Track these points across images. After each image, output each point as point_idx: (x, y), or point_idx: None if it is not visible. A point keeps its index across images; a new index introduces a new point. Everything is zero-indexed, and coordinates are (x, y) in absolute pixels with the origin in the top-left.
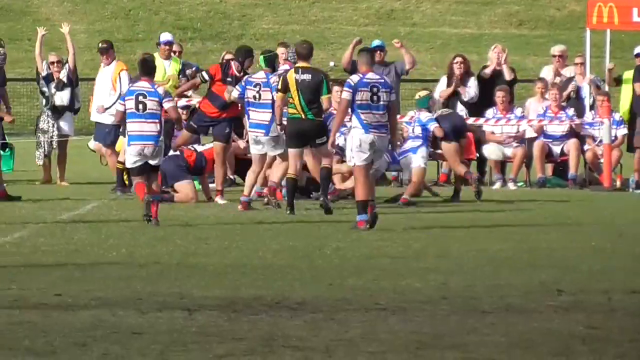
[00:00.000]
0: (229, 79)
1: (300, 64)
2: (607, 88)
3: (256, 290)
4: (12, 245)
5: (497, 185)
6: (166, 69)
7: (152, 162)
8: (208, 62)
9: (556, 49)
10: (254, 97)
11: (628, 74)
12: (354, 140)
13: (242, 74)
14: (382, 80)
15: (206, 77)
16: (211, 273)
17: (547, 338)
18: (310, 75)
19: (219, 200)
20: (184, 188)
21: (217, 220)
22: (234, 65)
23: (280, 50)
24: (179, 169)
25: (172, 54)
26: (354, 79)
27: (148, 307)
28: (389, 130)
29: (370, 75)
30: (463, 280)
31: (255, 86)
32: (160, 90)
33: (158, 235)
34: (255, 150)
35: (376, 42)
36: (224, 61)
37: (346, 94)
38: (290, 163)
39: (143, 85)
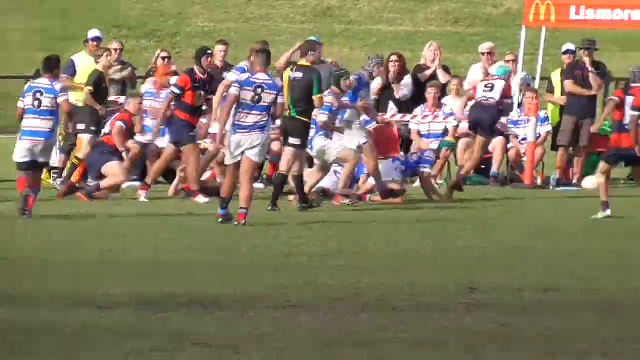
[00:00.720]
0: (196, 85)
1: (300, 61)
2: (537, 86)
3: (169, 288)
4: None
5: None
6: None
7: (40, 159)
8: (141, 59)
9: (484, 47)
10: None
11: (556, 74)
12: (227, 141)
13: (206, 75)
14: (270, 82)
15: (177, 91)
16: (125, 270)
17: (458, 336)
18: (301, 74)
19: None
20: (111, 169)
21: (136, 218)
22: (197, 70)
23: (219, 48)
24: (102, 155)
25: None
26: (243, 77)
27: (60, 305)
28: (265, 129)
29: (260, 75)
30: (376, 278)
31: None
32: (58, 86)
33: (74, 232)
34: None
35: (312, 38)
36: (189, 69)
37: (234, 90)
38: (282, 160)
39: (42, 82)
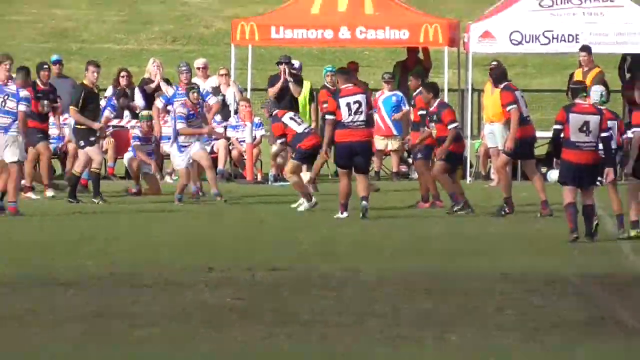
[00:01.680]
0: (39, 95)
1: None
2: (249, 96)
3: None
4: None
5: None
6: None
7: None
8: None
9: (199, 62)
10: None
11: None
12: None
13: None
14: (15, 92)
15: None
16: None
17: (200, 309)
18: None
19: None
20: None
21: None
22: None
23: None
24: None
25: None
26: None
27: None
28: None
29: (11, 87)
30: (129, 259)
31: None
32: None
33: None
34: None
35: (55, 57)
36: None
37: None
38: None
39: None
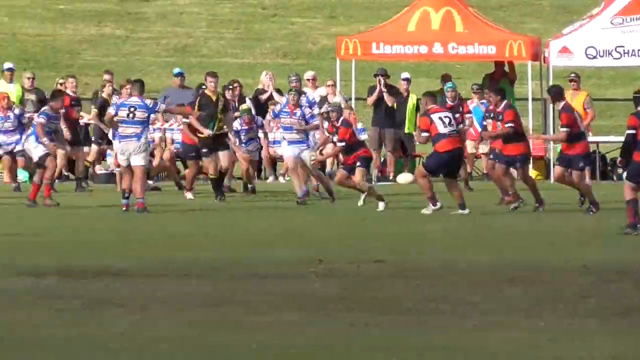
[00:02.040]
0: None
1: None
2: (353, 104)
3: (86, 261)
4: None
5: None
6: (11, 91)
7: None
8: (45, 86)
9: (308, 74)
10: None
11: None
12: None
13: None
14: (141, 103)
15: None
16: (47, 247)
17: (310, 297)
18: None
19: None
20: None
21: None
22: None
23: (106, 77)
24: None
25: (13, 79)
26: (118, 102)
27: (2, 274)
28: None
29: (132, 99)
30: (245, 251)
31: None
32: None
33: (12, 218)
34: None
35: (177, 70)
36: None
37: (111, 109)
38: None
39: None
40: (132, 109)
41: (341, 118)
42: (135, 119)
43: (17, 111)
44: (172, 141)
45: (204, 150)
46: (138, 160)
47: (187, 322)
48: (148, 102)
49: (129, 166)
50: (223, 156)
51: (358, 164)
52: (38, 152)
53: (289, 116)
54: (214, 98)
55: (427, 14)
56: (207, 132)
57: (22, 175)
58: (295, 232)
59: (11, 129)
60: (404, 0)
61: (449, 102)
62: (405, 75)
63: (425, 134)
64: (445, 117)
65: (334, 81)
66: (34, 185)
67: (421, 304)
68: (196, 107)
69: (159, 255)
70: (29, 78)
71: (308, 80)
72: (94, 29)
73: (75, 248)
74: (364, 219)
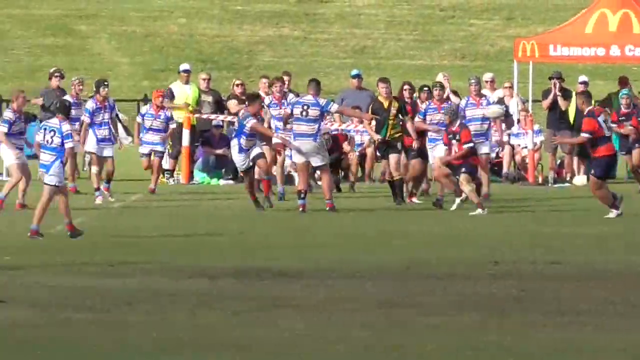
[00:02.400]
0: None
1: None
2: (530, 107)
3: (262, 263)
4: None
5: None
6: (187, 92)
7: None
8: (222, 88)
9: (487, 76)
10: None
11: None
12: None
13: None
14: (314, 101)
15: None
16: (224, 249)
17: (487, 298)
18: None
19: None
20: None
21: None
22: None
23: (285, 78)
24: None
25: (189, 80)
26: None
27: (180, 276)
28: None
29: (307, 97)
30: (423, 254)
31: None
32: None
33: (190, 219)
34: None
35: (355, 71)
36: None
37: (287, 109)
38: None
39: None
40: (305, 107)
41: (458, 121)
42: (309, 116)
43: (168, 113)
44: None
45: (378, 155)
46: (318, 161)
47: (361, 323)
48: (321, 100)
49: (307, 165)
50: (391, 159)
51: (463, 169)
52: (256, 151)
53: (436, 112)
54: (386, 104)
55: (605, 16)
56: (376, 137)
57: (200, 176)
58: (468, 234)
59: (159, 128)
60: (582, 3)
61: (623, 109)
62: (582, 78)
63: (586, 135)
64: (603, 120)
65: (511, 83)
66: (265, 182)
67: (600, 306)
68: (369, 112)
69: (334, 257)
70: (204, 79)
71: (486, 82)
72: (271, 30)
73: (251, 249)
74: (535, 220)
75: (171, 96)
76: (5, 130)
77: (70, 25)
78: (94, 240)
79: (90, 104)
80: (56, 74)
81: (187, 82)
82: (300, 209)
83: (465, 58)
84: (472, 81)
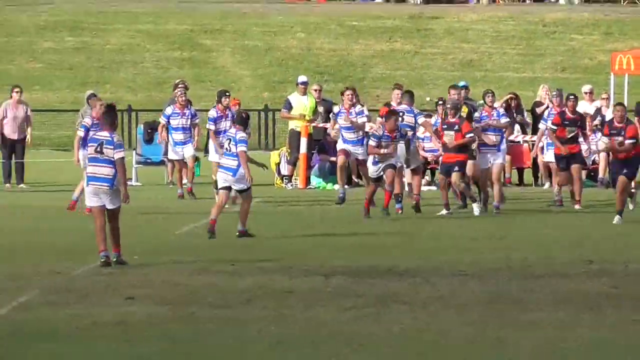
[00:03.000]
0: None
1: None
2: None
3: (372, 262)
4: (199, 229)
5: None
6: (304, 103)
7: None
8: (338, 98)
9: (585, 88)
10: None
11: None
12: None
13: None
14: (409, 109)
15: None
16: (337, 249)
17: (582, 295)
18: None
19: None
20: None
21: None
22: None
23: (395, 92)
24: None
25: (307, 92)
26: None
27: (295, 274)
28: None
29: (402, 106)
30: (521, 254)
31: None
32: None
33: (306, 221)
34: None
35: (462, 83)
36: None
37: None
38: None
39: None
40: (401, 114)
41: (458, 113)
42: (404, 122)
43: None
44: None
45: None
46: (413, 164)
47: (466, 320)
48: (415, 110)
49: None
50: (471, 165)
51: (457, 168)
52: (388, 162)
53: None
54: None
55: None
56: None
57: (316, 181)
58: (562, 236)
59: (185, 126)
60: None
61: None
62: None
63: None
64: None
65: (608, 94)
66: (387, 194)
67: None
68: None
69: (441, 256)
70: (315, 90)
71: (585, 93)
72: (384, 45)
73: (362, 249)
74: (628, 222)
75: (289, 107)
76: (82, 134)
77: (195, 40)
78: (217, 241)
79: (212, 113)
80: (180, 85)
81: (304, 94)
82: (399, 211)
83: (565, 71)
84: (554, 93)
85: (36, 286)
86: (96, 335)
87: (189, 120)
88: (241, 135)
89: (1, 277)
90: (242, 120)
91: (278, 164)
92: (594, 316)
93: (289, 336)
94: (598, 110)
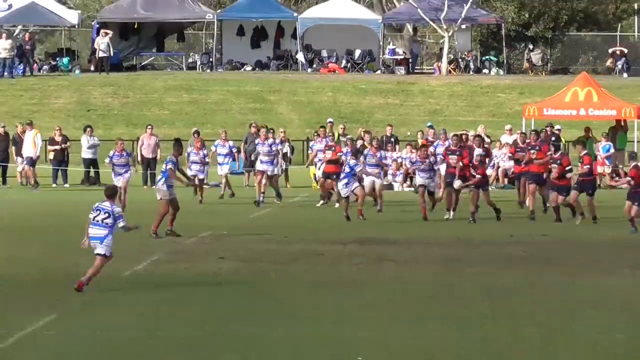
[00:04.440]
0: None
1: None
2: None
3: (373, 235)
4: (266, 215)
5: None
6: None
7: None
8: (353, 133)
9: (507, 126)
10: None
11: None
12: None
13: None
14: None
15: None
16: (351, 228)
17: (505, 256)
18: None
19: None
20: None
21: None
22: None
23: (430, 131)
24: None
25: (332, 128)
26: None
27: (325, 243)
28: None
29: None
30: (466, 232)
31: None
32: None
33: (331, 212)
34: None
35: (429, 123)
36: None
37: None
38: None
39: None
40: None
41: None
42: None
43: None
44: None
45: None
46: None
47: (429, 271)
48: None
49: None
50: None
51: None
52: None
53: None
54: None
55: (577, 92)
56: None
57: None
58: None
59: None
60: (564, 84)
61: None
62: (557, 127)
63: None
64: None
65: (520, 131)
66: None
67: None
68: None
69: (416, 233)
70: (341, 128)
71: (507, 130)
72: (382, 99)
73: (367, 228)
74: None
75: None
76: (172, 167)
77: (264, 96)
78: (275, 222)
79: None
80: (252, 124)
81: (331, 129)
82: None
83: (494, 116)
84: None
85: (161, 251)
86: (200, 281)
87: (270, 148)
88: (352, 163)
89: (138, 244)
90: (356, 152)
91: (314, 174)
92: (512, 269)
93: (321, 281)
94: (515, 141)
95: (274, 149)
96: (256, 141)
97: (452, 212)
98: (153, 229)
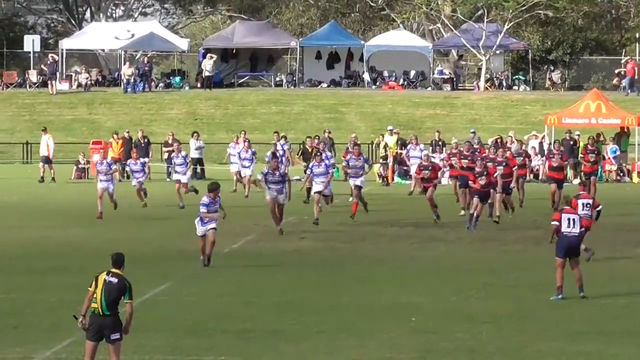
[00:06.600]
0: None
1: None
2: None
3: (423, 220)
4: (336, 212)
5: None
6: (392, 139)
7: None
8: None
9: (533, 132)
10: None
11: None
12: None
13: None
14: None
15: None
16: (408, 214)
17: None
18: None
19: None
20: None
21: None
22: None
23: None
24: None
25: (392, 134)
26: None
27: (386, 226)
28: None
29: None
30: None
31: None
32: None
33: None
34: None
35: (472, 129)
36: None
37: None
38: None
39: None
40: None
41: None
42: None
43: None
44: None
45: None
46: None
47: (443, 249)
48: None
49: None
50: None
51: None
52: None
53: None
54: None
55: (589, 104)
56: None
57: (397, 180)
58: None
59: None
60: (578, 97)
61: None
62: (577, 132)
63: None
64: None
65: (544, 136)
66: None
67: None
68: None
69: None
70: (397, 133)
71: (534, 135)
72: (432, 110)
73: (421, 216)
74: None
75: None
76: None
77: (337, 108)
78: (343, 213)
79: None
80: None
81: (391, 135)
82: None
83: (522, 124)
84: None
85: (254, 232)
86: (285, 258)
87: (327, 169)
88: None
89: (238, 229)
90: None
91: (378, 172)
92: (536, 248)
93: (380, 257)
94: (541, 143)
95: (330, 171)
96: (310, 164)
97: (467, 211)
98: (277, 228)
